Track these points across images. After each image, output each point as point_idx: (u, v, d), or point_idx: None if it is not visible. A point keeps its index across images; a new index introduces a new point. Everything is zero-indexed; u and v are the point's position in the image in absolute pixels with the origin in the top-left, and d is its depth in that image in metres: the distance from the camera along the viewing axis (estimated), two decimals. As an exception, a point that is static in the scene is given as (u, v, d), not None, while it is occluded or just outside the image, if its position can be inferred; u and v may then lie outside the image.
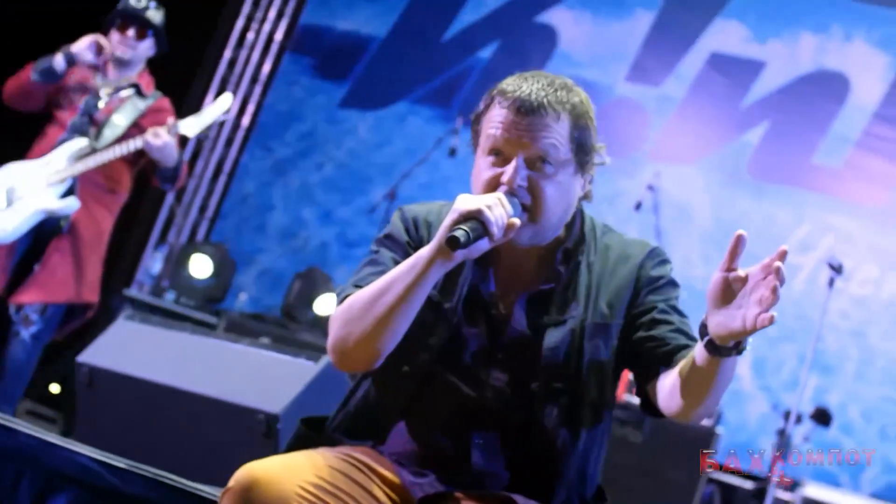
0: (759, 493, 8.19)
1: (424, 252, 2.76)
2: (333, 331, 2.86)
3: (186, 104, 10.61)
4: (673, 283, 3.00)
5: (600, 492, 3.05)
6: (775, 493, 7.69)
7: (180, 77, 10.52)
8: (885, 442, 9.78)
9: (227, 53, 12.32)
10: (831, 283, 6.47)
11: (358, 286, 2.90)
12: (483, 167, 2.91)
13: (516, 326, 2.93)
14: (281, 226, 12.18)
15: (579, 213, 3.05)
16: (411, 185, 10.84)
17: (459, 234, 2.66)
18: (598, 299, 2.94)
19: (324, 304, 9.96)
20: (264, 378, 4.53)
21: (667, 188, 10.07)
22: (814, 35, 11.18)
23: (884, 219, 10.49)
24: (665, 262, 3.02)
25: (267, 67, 12.47)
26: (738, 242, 2.53)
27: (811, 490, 7.71)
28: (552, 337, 2.90)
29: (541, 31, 12.08)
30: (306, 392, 4.44)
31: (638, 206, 9.66)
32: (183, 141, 6.87)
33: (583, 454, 2.93)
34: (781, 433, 8.25)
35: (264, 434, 4.33)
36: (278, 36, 12.51)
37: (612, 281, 2.96)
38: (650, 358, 2.89)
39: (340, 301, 2.90)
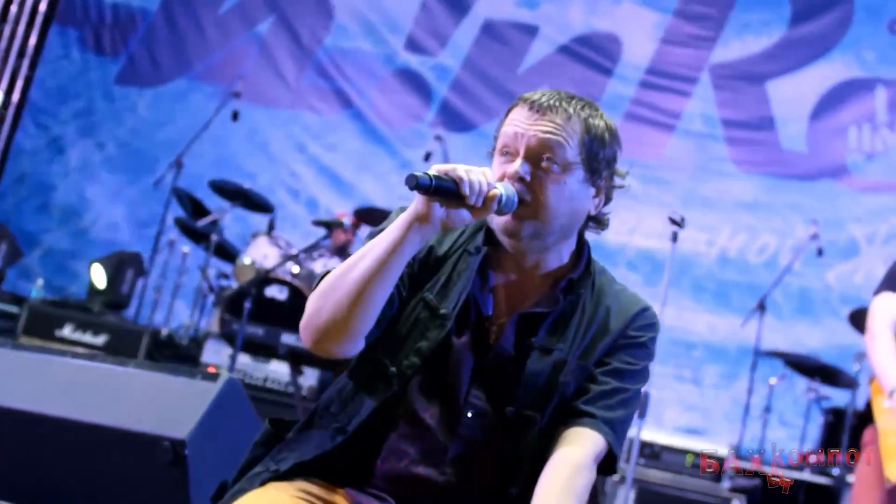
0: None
1: (402, 216, 2.61)
2: (308, 307, 2.68)
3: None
4: (643, 347, 2.86)
5: None
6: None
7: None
8: (681, 383, 9.98)
9: (-9, 27, 11.58)
10: (675, 237, 6.33)
11: None
12: (494, 166, 2.77)
13: (504, 344, 2.77)
14: (64, 206, 11.60)
15: (587, 247, 2.90)
16: (200, 164, 10.51)
17: (420, 174, 2.50)
18: (585, 341, 2.80)
19: (94, 272, 9.61)
20: (161, 402, 4.10)
21: (453, 157, 9.90)
22: (583, -5, 11.24)
23: (662, 172, 10.63)
24: (649, 326, 2.88)
25: (33, 41, 11.78)
26: None
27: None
28: (535, 363, 2.75)
29: (316, 4, 11.85)
30: (210, 414, 4.04)
31: (427, 157, 9.56)
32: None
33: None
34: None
35: (171, 462, 3.92)
36: (42, 7, 11.82)
37: (602, 330, 2.82)
38: (565, 406, 2.77)
39: (318, 282, 2.72)
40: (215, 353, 8.50)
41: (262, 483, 2.74)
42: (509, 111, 2.79)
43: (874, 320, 5.51)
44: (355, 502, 2.72)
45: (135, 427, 3.99)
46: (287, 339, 7.54)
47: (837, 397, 9.03)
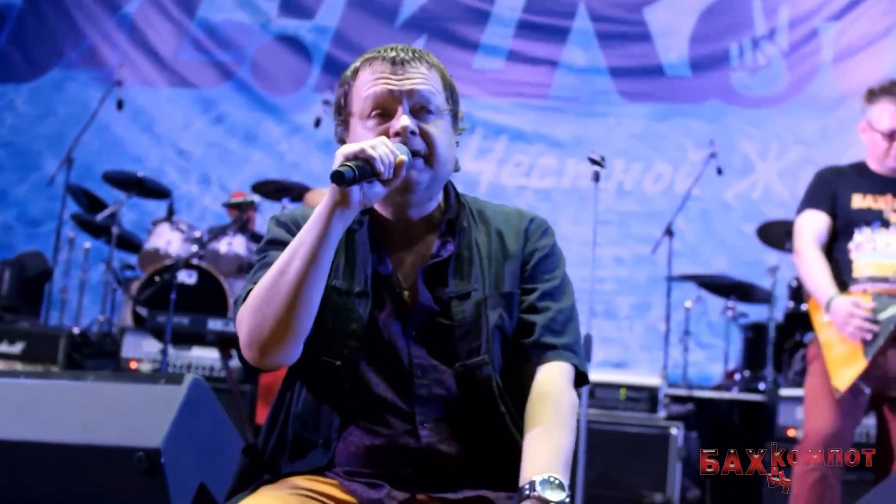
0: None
1: (320, 208, 2.57)
2: (244, 325, 2.62)
3: None
4: (550, 256, 2.89)
5: None
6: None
7: None
8: (594, 317, 9.96)
9: None
10: (597, 177, 6.31)
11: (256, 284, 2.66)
12: (367, 130, 2.73)
13: (424, 301, 2.77)
14: (-49, 212, 11.28)
15: (451, 185, 2.93)
16: (86, 152, 10.25)
17: (344, 168, 2.48)
18: (494, 269, 2.83)
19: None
20: (129, 412, 3.94)
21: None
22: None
23: (550, 109, 10.60)
24: (544, 233, 2.91)
25: None
26: None
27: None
28: (459, 310, 2.76)
29: (184, -23, 11.58)
30: (180, 418, 3.91)
31: (317, 123, 9.46)
32: None
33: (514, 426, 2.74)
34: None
35: (147, 472, 3.79)
36: None
37: (504, 255, 2.86)
38: (519, 344, 2.80)
39: (243, 300, 2.67)
40: (135, 347, 8.29)
41: (253, 490, 2.72)
42: (357, 74, 2.78)
43: (800, 239, 5.56)
44: (349, 490, 2.68)
45: (105, 442, 3.85)
46: (214, 325, 7.37)
47: (755, 313, 9.12)
